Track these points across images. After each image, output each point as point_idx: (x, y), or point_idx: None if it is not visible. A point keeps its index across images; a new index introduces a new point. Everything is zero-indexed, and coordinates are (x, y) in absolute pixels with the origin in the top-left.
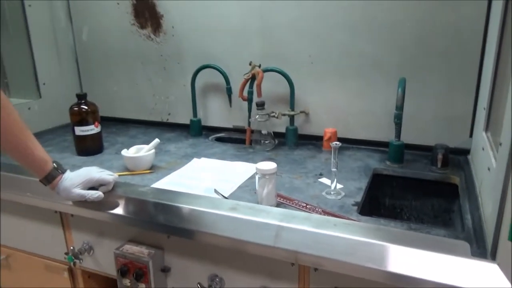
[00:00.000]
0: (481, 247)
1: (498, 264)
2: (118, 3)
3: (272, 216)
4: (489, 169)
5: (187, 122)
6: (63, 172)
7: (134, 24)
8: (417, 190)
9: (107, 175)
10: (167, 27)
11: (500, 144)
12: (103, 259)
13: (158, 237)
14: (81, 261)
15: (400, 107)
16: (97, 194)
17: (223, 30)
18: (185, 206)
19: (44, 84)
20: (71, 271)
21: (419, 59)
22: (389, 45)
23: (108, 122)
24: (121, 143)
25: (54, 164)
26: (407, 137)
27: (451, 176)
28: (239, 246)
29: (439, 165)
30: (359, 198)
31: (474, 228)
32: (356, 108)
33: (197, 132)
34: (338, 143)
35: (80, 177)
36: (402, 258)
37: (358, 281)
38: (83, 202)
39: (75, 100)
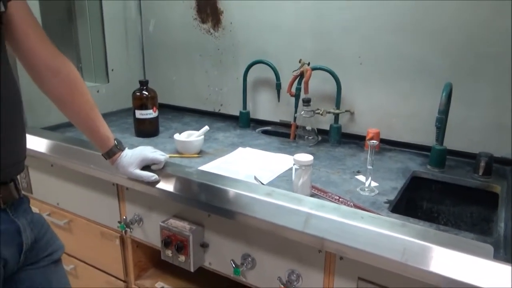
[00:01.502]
0: (508, 254)
1: None
2: None
3: (303, 204)
4: None
5: (237, 113)
6: (122, 149)
7: (196, 19)
8: (456, 196)
9: (160, 155)
10: (226, 23)
11: None
12: (150, 231)
13: (200, 215)
14: (131, 230)
15: (442, 112)
16: (154, 177)
17: (278, 28)
18: (226, 188)
19: (112, 70)
20: (122, 239)
21: (468, 64)
22: (438, 49)
23: (165, 108)
24: (175, 129)
25: (115, 141)
26: (452, 143)
27: (493, 184)
28: (271, 229)
29: (480, 172)
30: (392, 196)
31: (505, 236)
32: (401, 111)
33: (245, 124)
34: (375, 141)
35: (136, 156)
36: (422, 253)
37: (380, 273)
38: None
39: (138, 86)
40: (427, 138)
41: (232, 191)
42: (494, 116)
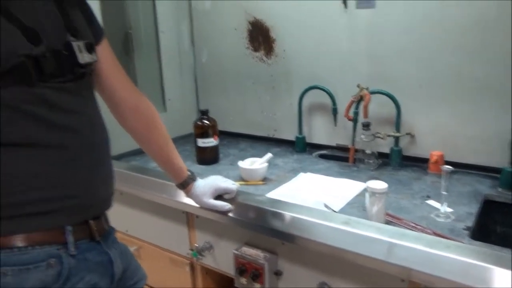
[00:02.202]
0: None
1: None
2: (235, 29)
3: (383, 233)
4: None
5: (292, 138)
6: (195, 179)
7: (248, 47)
8: None
9: (231, 184)
10: (278, 50)
11: None
12: (221, 258)
13: (273, 243)
14: (203, 257)
15: None
16: (227, 206)
17: (332, 53)
18: (300, 216)
19: (169, 99)
20: (192, 266)
21: None
22: (504, 69)
23: (220, 135)
24: (233, 155)
25: (188, 172)
26: None
27: None
28: (351, 258)
29: None
30: (469, 222)
31: None
32: (466, 132)
33: (301, 148)
34: (449, 167)
35: (209, 185)
36: None
37: None
38: None
39: (193, 114)
40: (493, 159)
41: (308, 219)
42: None
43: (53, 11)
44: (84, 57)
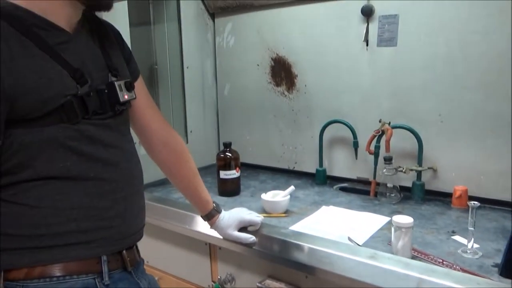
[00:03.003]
0: None
1: None
2: (258, 65)
3: (411, 268)
4: None
5: (312, 170)
6: (220, 211)
7: (270, 82)
8: None
9: (256, 216)
10: (300, 86)
11: None
12: None
13: (297, 276)
14: None
15: None
16: (252, 239)
17: (353, 89)
18: (324, 249)
19: (191, 131)
20: None
21: None
22: None
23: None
24: (254, 187)
25: (214, 204)
26: None
27: None
28: None
29: None
30: (498, 259)
31: None
32: (490, 168)
33: (322, 181)
34: (476, 203)
35: (234, 218)
36: None
37: None
38: None
39: (214, 146)
40: None
41: (332, 253)
42: None
43: (96, 53)
44: (124, 96)
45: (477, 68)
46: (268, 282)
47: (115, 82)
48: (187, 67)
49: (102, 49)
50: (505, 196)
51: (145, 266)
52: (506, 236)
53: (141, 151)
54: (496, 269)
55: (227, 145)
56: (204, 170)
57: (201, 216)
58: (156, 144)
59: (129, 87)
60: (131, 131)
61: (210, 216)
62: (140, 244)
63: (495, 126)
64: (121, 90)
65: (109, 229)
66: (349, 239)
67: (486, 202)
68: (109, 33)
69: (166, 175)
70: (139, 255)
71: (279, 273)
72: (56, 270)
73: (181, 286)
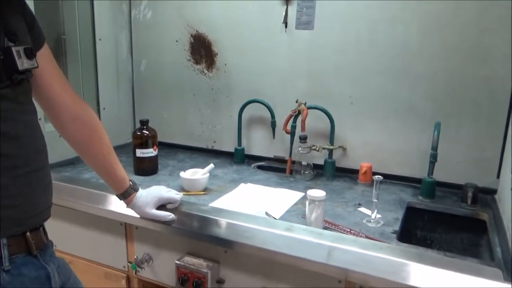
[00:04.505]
0: (511, 275)
1: None
2: (177, 41)
3: (323, 237)
4: None
5: (231, 150)
6: (137, 190)
7: (189, 60)
8: (447, 224)
9: (175, 194)
10: (220, 64)
11: None
12: (161, 269)
13: (216, 251)
14: (142, 269)
15: (435, 148)
16: (171, 216)
17: (272, 70)
18: (243, 224)
19: (104, 109)
20: (128, 280)
21: (451, 105)
22: (425, 91)
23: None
24: (172, 166)
25: (130, 182)
26: (439, 175)
27: (480, 213)
28: (293, 262)
29: (469, 202)
30: (396, 227)
31: (504, 259)
32: (392, 146)
33: (240, 160)
34: (380, 177)
35: (152, 196)
36: (440, 279)
37: None
38: None
39: (129, 125)
40: (415, 170)
41: (251, 227)
42: (475, 150)
43: None
44: (23, 63)
45: (384, 55)
46: (187, 259)
47: (13, 48)
48: (100, 39)
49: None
50: (403, 172)
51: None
52: (403, 207)
53: (47, 128)
54: (395, 235)
55: (144, 123)
56: (119, 150)
57: (117, 195)
58: (65, 118)
59: (30, 55)
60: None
61: (126, 195)
62: (48, 227)
63: (397, 108)
64: (19, 57)
65: (10, 209)
66: (267, 213)
67: (388, 178)
68: None
69: (78, 153)
70: (47, 237)
71: (198, 250)
72: None
73: (94, 269)
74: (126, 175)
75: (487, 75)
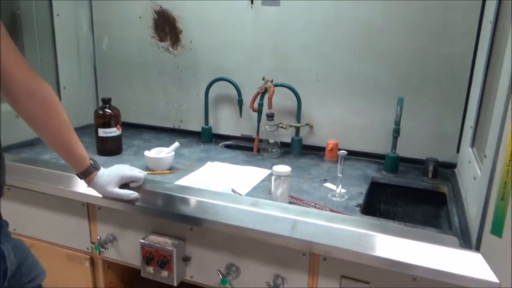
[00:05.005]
0: (467, 242)
1: (482, 254)
2: (140, 17)
3: (288, 212)
4: (474, 178)
5: (198, 129)
6: (98, 168)
7: (154, 37)
8: (409, 197)
9: (138, 172)
10: (185, 42)
11: (485, 156)
12: (125, 249)
13: (181, 229)
14: (106, 250)
15: (398, 123)
16: (134, 195)
17: (238, 47)
18: (209, 201)
19: (64, 88)
20: (92, 261)
21: (414, 82)
22: (388, 68)
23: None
24: (137, 146)
25: (91, 161)
26: (401, 150)
27: (440, 186)
28: (259, 237)
29: (429, 176)
30: (360, 200)
31: (461, 228)
32: (356, 123)
33: (207, 139)
34: (344, 152)
35: (114, 174)
36: (400, 248)
37: (362, 269)
38: None
39: (92, 104)
40: (379, 147)
41: (216, 203)
42: (436, 126)
43: None
44: None
45: (349, 34)
46: (152, 237)
47: None
48: (58, 15)
49: None
50: (368, 148)
51: (12, 236)
52: (368, 182)
53: (3, 108)
54: (358, 208)
55: (106, 101)
56: (81, 131)
57: (77, 174)
58: (21, 94)
59: None
60: None
61: (86, 173)
62: (6, 211)
63: (362, 86)
64: None
65: None
66: (233, 190)
67: (353, 154)
68: None
69: (35, 131)
70: (1, 217)
71: (163, 228)
72: None
73: (56, 252)
74: (86, 154)
75: (449, 53)
